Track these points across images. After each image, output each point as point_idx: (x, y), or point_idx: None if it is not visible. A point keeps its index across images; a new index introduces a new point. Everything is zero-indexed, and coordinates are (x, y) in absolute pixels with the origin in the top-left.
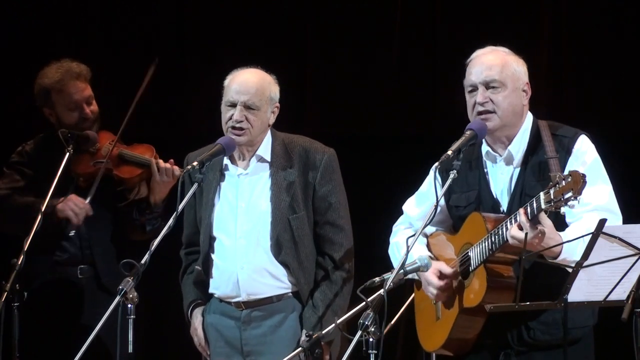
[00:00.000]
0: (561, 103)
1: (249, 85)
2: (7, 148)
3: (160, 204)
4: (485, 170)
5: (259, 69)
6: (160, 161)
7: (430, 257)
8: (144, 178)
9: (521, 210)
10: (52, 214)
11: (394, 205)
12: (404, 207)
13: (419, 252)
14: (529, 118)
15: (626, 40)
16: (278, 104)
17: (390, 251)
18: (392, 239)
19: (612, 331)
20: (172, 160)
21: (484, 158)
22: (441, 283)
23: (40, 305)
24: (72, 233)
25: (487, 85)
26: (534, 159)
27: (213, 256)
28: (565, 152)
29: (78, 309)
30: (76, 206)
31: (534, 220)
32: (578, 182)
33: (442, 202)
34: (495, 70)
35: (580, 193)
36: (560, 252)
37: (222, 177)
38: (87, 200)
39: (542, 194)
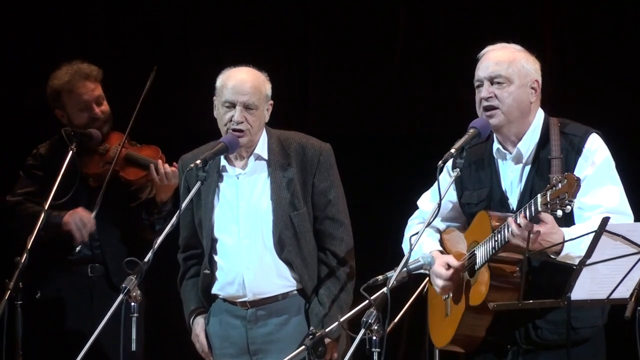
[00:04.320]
0: (562, 101)
1: (246, 85)
2: (11, 149)
3: (167, 204)
4: (497, 167)
5: (251, 68)
6: (160, 164)
7: (440, 252)
8: (149, 179)
9: (511, 220)
10: (57, 225)
11: (395, 204)
12: (419, 202)
13: (430, 247)
14: (539, 116)
15: (628, 38)
16: (272, 102)
17: (404, 245)
18: (406, 234)
19: (625, 331)
20: (174, 164)
21: (495, 156)
22: (448, 273)
23: (52, 303)
24: (78, 249)
25: (492, 81)
26: (543, 158)
27: (216, 257)
28: (575, 151)
29: (89, 308)
30: (81, 222)
31: (534, 220)
32: (572, 185)
33: (454, 199)
34: (502, 66)
35: (574, 196)
36: (563, 247)
37: (219, 178)
38: (93, 214)
39: (539, 196)
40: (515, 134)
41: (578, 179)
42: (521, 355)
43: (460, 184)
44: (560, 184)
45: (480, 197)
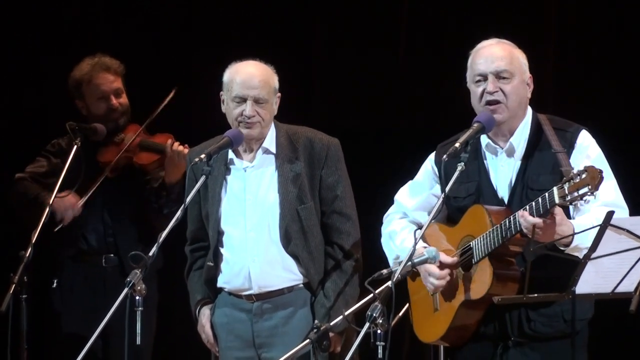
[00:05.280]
0: (562, 101)
1: (255, 79)
2: (11, 149)
3: (175, 186)
4: (485, 162)
5: (258, 61)
6: (175, 144)
7: (424, 247)
8: (162, 163)
9: (525, 213)
10: (43, 204)
11: None
12: (397, 197)
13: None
14: (529, 111)
15: (628, 38)
16: (279, 94)
17: (383, 241)
18: (385, 229)
19: (605, 324)
20: (186, 145)
21: (484, 150)
22: (443, 273)
23: (65, 294)
24: (57, 228)
25: (498, 75)
26: (537, 152)
27: (222, 250)
28: (568, 146)
29: (102, 298)
30: (68, 203)
31: (546, 213)
32: (595, 178)
33: (438, 192)
34: (506, 61)
35: (597, 189)
36: (572, 239)
37: (227, 171)
38: (80, 203)
39: (555, 189)
40: (509, 129)
41: (601, 171)
42: (512, 347)
43: (445, 178)
44: (579, 177)
45: (468, 190)
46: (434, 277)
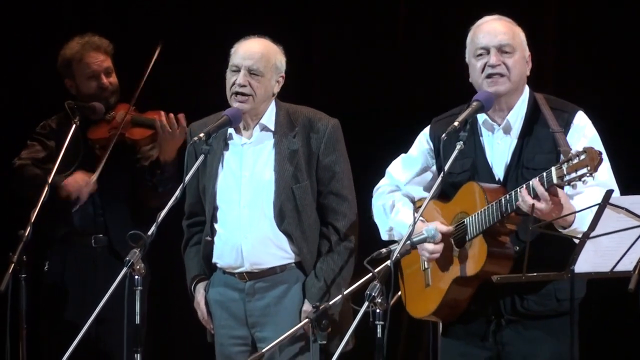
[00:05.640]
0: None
1: (254, 51)
2: (11, 149)
3: (170, 164)
4: (481, 138)
5: (267, 39)
6: (164, 116)
7: (422, 221)
8: (155, 139)
9: (536, 182)
10: (58, 188)
11: None
12: (389, 169)
13: (408, 216)
14: (526, 89)
15: (631, 36)
16: (283, 74)
17: (375, 213)
18: (378, 202)
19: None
20: (182, 115)
21: (481, 126)
22: (438, 246)
23: (56, 276)
24: (75, 208)
25: (500, 49)
26: (534, 131)
27: (217, 226)
28: (565, 125)
29: (92, 278)
30: (82, 181)
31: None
32: (594, 159)
33: (433, 167)
34: (509, 35)
35: (596, 170)
36: (573, 221)
37: (226, 146)
38: (94, 177)
39: (554, 169)
40: (507, 105)
41: (600, 153)
42: (505, 325)
43: (440, 153)
44: (577, 158)
45: (463, 167)
46: (430, 245)
